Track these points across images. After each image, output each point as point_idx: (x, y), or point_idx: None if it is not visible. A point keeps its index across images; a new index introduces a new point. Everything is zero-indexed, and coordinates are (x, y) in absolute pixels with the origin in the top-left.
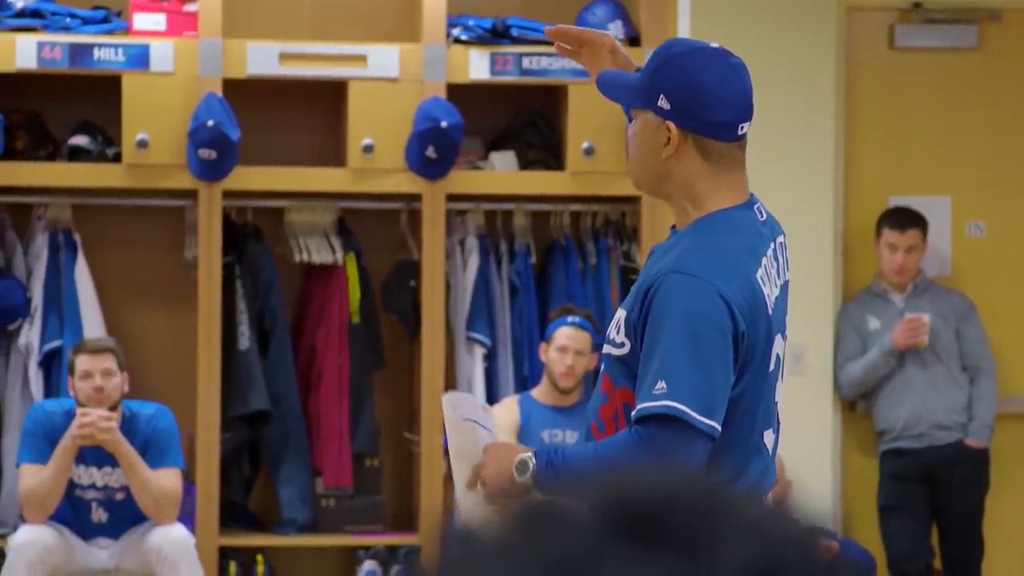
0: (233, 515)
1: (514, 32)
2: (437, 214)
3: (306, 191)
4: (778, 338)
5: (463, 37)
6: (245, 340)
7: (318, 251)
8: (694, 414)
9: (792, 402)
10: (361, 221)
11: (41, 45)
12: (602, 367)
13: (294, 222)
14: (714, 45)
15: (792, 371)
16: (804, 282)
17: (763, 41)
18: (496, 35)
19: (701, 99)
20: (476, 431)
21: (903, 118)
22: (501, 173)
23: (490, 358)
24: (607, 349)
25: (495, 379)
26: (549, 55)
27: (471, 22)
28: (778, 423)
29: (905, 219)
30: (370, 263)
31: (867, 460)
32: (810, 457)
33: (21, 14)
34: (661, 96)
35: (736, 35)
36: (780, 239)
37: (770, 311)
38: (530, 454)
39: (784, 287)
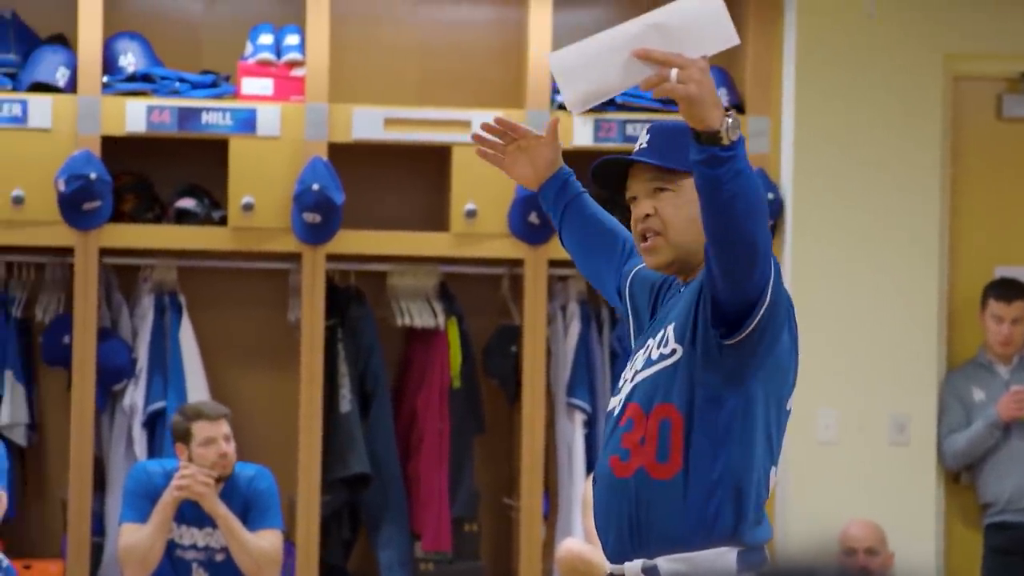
0: None
1: (618, 99)
2: (539, 279)
3: (409, 255)
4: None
5: None
6: (346, 403)
7: (420, 315)
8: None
9: (896, 472)
10: (463, 285)
11: (150, 109)
12: (623, 401)
13: (397, 286)
14: None
15: (896, 441)
16: (908, 351)
17: (869, 110)
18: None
19: None
20: (723, 27)
21: (1009, 188)
22: None
23: (590, 424)
24: (644, 374)
25: (595, 445)
26: (653, 122)
27: None
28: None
29: (1011, 291)
30: (471, 327)
31: (971, 532)
32: (913, 529)
33: (132, 78)
34: None
35: (842, 103)
36: None
37: (799, 343)
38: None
39: None
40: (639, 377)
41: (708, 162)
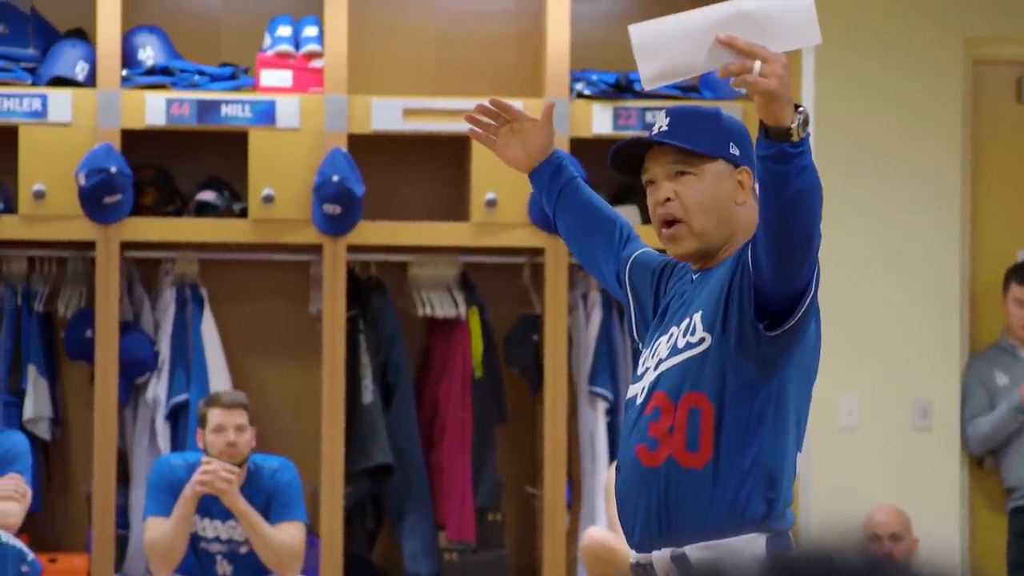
0: (357, 569)
1: (637, 87)
2: (560, 268)
3: (429, 245)
4: None
5: (586, 92)
6: (369, 394)
7: (441, 305)
8: None
9: (919, 458)
10: (484, 275)
11: (170, 102)
12: (646, 390)
13: (417, 276)
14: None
15: (919, 427)
16: (931, 337)
17: (890, 95)
18: (619, 90)
19: (751, 146)
20: (810, 26)
21: None
22: None
23: (613, 412)
24: (670, 362)
25: (617, 434)
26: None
27: (594, 77)
28: None
29: None
30: (493, 317)
31: (996, 517)
32: (938, 514)
33: (151, 71)
34: (731, 144)
35: (862, 90)
36: None
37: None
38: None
39: None
40: (664, 365)
41: (776, 157)
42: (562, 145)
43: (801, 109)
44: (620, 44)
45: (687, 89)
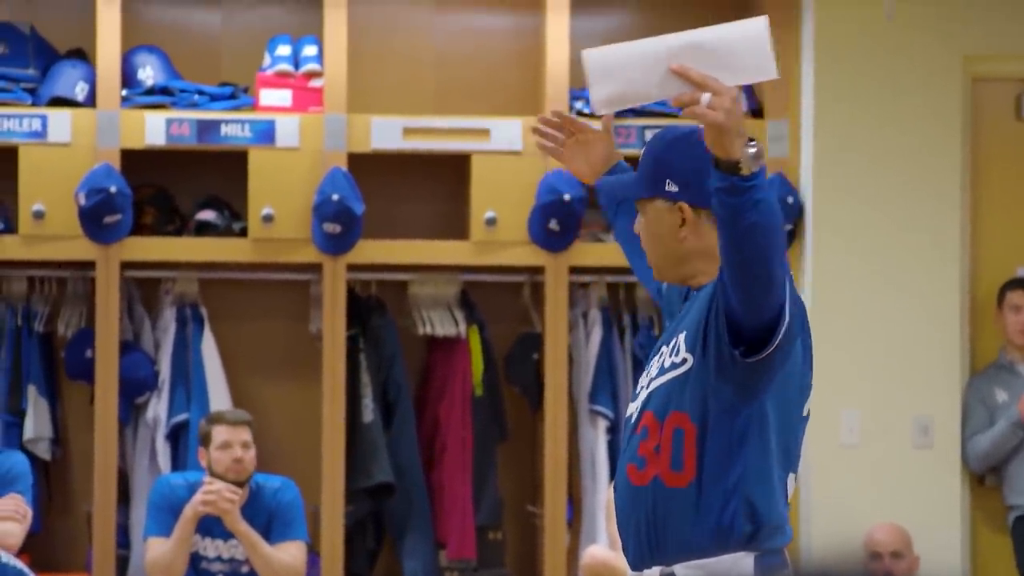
0: None
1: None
2: (560, 286)
3: (429, 264)
4: (811, 391)
5: (586, 110)
6: (369, 413)
7: (441, 324)
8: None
9: (920, 475)
10: (484, 294)
11: (169, 122)
12: (639, 409)
13: (417, 295)
14: (696, 125)
15: (920, 444)
16: (931, 353)
17: (888, 112)
18: None
19: (702, 172)
20: (764, 59)
21: None
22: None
23: (613, 431)
24: (658, 382)
25: (617, 452)
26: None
27: None
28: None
29: None
30: (493, 336)
31: (997, 535)
32: (938, 532)
33: (150, 91)
34: (667, 181)
35: (861, 106)
36: None
37: (812, 350)
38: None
39: None
40: (654, 384)
41: (728, 190)
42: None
43: (753, 143)
44: None
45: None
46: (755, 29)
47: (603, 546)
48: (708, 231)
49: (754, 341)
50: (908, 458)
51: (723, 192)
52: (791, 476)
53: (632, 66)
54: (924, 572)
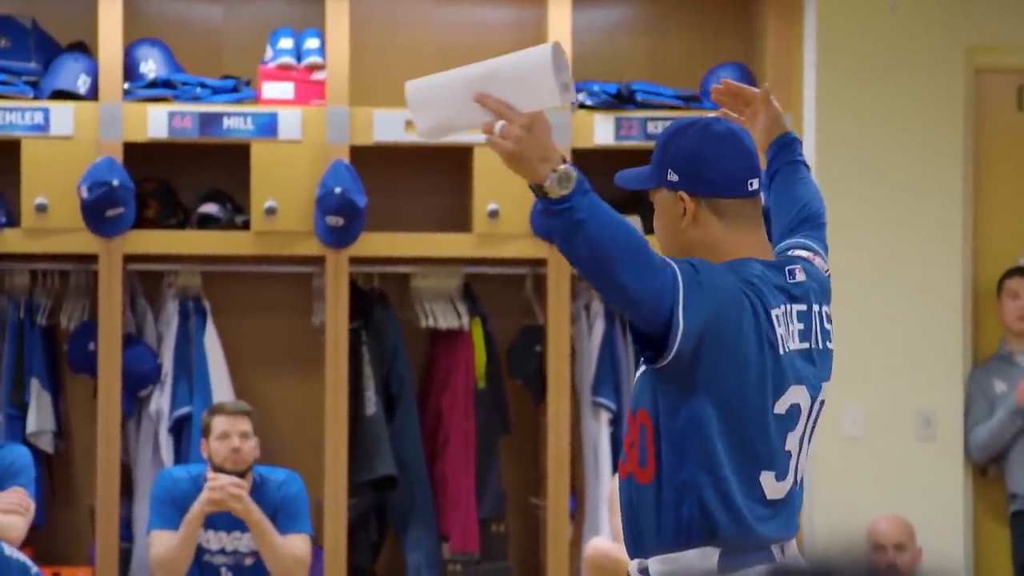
0: None
1: (639, 97)
2: (562, 279)
3: (432, 257)
4: (797, 388)
5: (588, 102)
6: (372, 405)
7: (444, 316)
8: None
9: (923, 468)
10: (487, 286)
11: (172, 115)
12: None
13: (420, 287)
14: (709, 116)
15: (923, 436)
16: (933, 346)
17: (891, 104)
18: (621, 100)
19: (703, 163)
20: (549, 86)
21: None
22: None
23: (616, 423)
24: (637, 376)
25: (621, 444)
26: (673, 119)
27: (596, 87)
28: (795, 476)
29: None
30: (496, 328)
31: (1000, 527)
32: (942, 524)
33: (153, 84)
34: (669, 171)
35: (863, 98)
36: (817, 307)
37: (779, 348)
38: (573, 168)
39: (817, 354)
40: (636, 379)
41: (544, 213)
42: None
43: (560, 168)
44: (621, 55)
45: (688, 99)
46: (540, 56)
47: (606, 538)
48: (708, 222)
49: (659, 347)
50: (911, 451)
51: (542, 215)
52: (764, 472)
53: (445, 96)
54: (927, 564)
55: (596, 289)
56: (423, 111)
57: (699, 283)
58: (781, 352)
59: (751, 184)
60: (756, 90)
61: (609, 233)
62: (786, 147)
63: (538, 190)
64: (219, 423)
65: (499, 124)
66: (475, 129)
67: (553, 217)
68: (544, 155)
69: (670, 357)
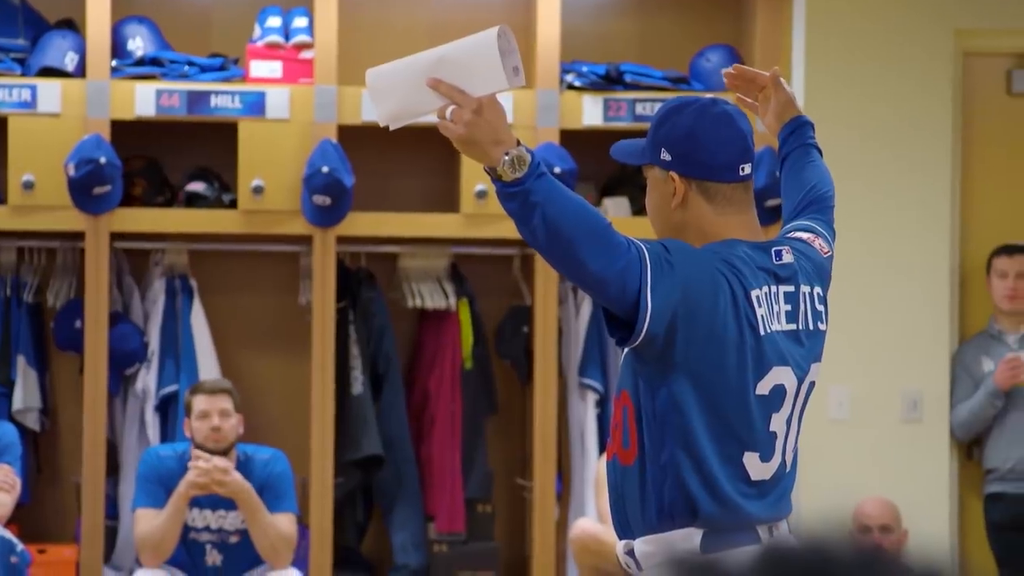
0: (346, 560)
1: (627, 78)
2: None
3: (419, 237)
4: (781, 369)
5: (577, 83)
6: (358, 385)
7: (431, 296)
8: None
9: (909, 449)
10: (474, 267)
11: (159, 93)
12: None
13: (407, 267)
14: (707, 97)
15: (909, 418)
16: (920, 328)
17: (880, 87)
18: (610, 81)
19: (696, 144)
20: (497, 69)
21: (1020, 163)
22: (615, 218)
23: (603, 404)
24: (622, 358)
25: (607, 425)
26: (662, 101)
27: (584, 68)
28: (783, 457)
29: (1015, 247)
30: (483, 309)
31: None
32: (927, 506)
33: (140, 62)
34: (662, 150)
35: (852, 80)
36: (808, 288)
37: (760, 328)
38: (527, 151)
39: (806, 335)
40: (621, 360)
41: (499, 195)
42: (552, 137)
43: (513, 151)
44: (610, 36)
45: (677, 80)
46: (486, 41)
47: (592, 519)
48: (697, 204)
49: (631, 329)
50: (897, 432)
51: (499, 197)
52: (747, 454)
53: (405, 82)
54: (913, 545)
55: (560, 272)
56: (384, 98)
57: (669, 263)
58: (762, 332)
59: (743, 168)
60: (766, 74)
61: (568, 215)
62: (798, 130)
63: (492, 173)
64: (199, 402)
65: (450, 109)
66: (434, 114)
67: (509, 200)
68: (496, 138)
69: (640, 339)
